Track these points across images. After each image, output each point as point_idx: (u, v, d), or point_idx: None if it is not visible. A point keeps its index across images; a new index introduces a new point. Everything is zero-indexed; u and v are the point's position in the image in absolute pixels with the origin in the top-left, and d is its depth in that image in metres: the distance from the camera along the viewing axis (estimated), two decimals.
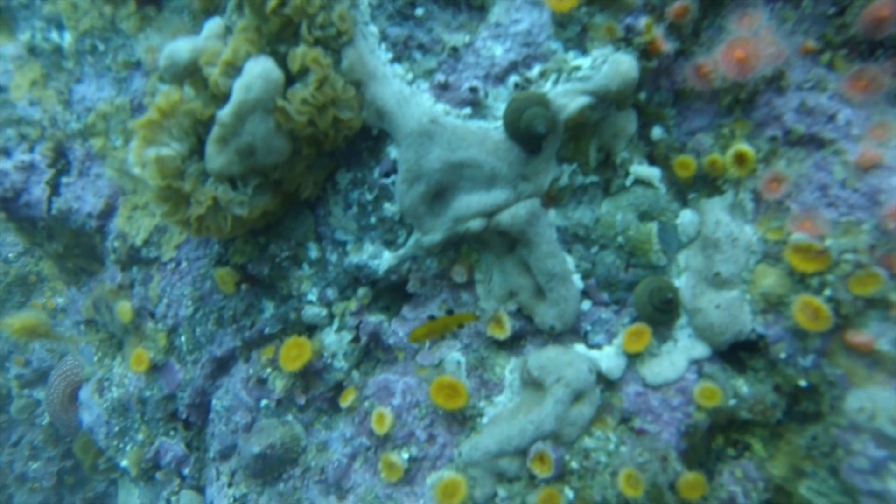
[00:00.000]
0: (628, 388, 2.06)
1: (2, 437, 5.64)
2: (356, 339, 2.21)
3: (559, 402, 2.00)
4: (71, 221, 2.41)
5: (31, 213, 2.38)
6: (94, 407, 2.69)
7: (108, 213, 2.39)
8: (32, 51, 2.37)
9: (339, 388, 2.28)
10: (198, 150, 2.04)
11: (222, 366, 2.42)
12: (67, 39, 2.36)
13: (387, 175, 2.11)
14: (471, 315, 2.19)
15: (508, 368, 2.19)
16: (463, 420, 2.11)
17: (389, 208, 2.11)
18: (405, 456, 2.10)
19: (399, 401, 2.14)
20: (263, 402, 2.32)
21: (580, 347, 2.15)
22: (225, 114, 1.88)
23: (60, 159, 2.37)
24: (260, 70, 1.87)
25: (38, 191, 2.32)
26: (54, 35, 2.36)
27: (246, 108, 1.87)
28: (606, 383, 2.09)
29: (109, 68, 2.32)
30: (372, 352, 2.27)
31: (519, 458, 2.00)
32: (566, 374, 2.03)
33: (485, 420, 2.12)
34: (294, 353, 2.18)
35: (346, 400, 2.22)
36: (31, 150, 2.33)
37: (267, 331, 2.30)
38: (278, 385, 2.24)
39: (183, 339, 2.42)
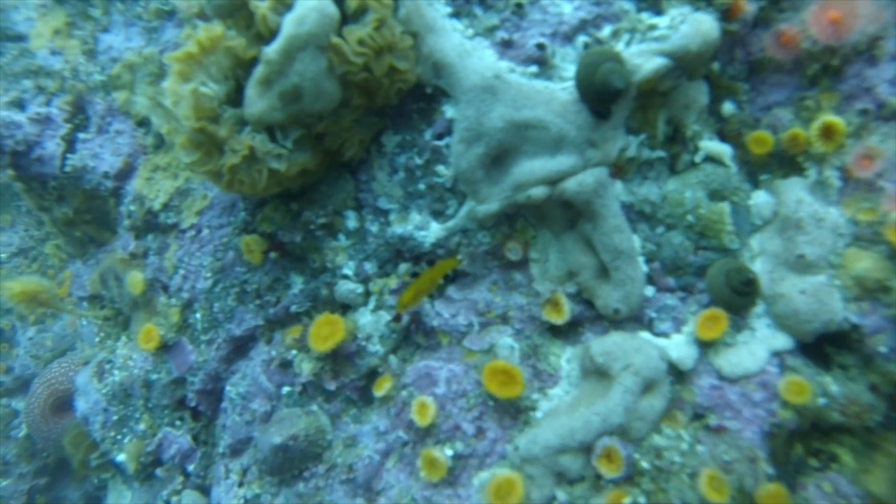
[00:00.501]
0: (701, 381, 1.78)
1: None
2: (397, 320, 1.91)
3: (628, 391, 1.71)
4: (85, 181, 2.13)
5: (42, 169, 2.11)
6: (91, 393, 2.35)
7: (126, 173, 2.12)
8: None
9: (371, 375, 1.98)
10: (234, 98, 1.79)
11: (240, 347, 2.11)
12: None
13: (440, 137, 1.86)
14: (453, 259, 1.91)
15: (565, 358, 1.90)
16: (516, 413, 1.82)
17: (442, 173, 1.86)
18: (449, 452, 1.79)
19: (443, 390, 1.85)
20: (285, 389, 2.01)
21: (645, 335, 1.87)
22: (272, 50, 1.64)
23: (79, 114, 2.11)
24: (315, 3, 1.64)
25: (53, 146, 2.06)
26: None
27: (297, 44, 1.63)
28: (676, 375, 1.81)
29: (140, 17, 2.10)
30: (411, 336, 1.98)
31: (583, 454, 1.70)
32: (635, 360, 1.75)
33: (538, 415, 1.83)
34: (325, 331, 1.89)
35: (382, 388, 1.92)
36: (49, 102, 2.08)
37: (294, 308, 2.01)
38: (305, 368, 1.94)
39: (198, 315, 2.11)
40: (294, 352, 1.97)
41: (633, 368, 1.74)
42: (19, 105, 2.06)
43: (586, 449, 1.70)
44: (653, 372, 1.75)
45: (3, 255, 5.44)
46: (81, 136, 2.12)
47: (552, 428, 1.72)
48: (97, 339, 2.37)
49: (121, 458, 2.28)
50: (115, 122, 2.11)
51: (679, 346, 1.82)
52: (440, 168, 1.86)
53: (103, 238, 2.25)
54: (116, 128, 2.11)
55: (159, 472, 2.23)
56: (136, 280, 2.13)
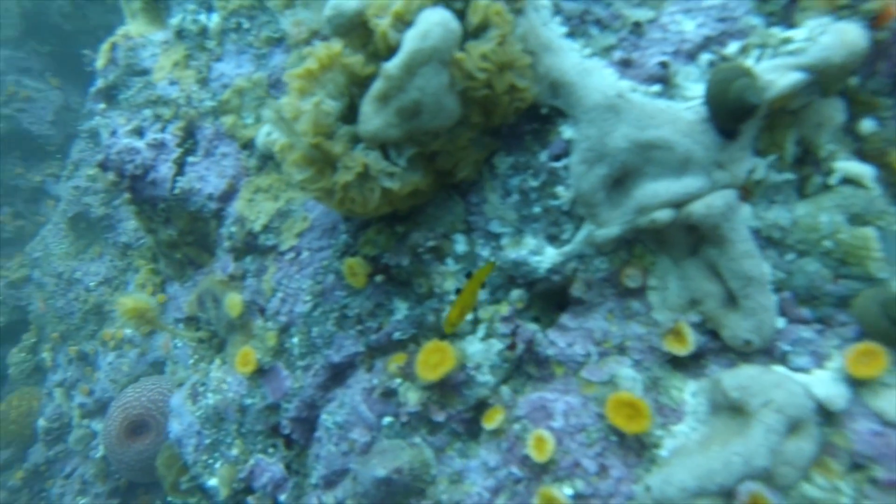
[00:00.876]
0: (857, 425, 1.57)
1: (56, 468, 5.22)
2: (512, 347, 1.77)
3: (771, 430, 1.52)
4: (191, 203, 2.10)
5: (155, 192, 2.10)
6: (185, 415, 2.26)
7: (229, 195, 2.08)
8: (180, 34, 2.17)
9: (479, 407, 1.83)
10: (347, 116, 1.72)
11: (338, 375, 2.00)
12: (214, 20, 2.14)
13: (557, 158, 1.75)
14: (489, 265, 1.75)
15: (689, 392, 1.72)
16: (640, 449, 1.64)
17: (560, 195, 1.74)
18: (569, 492, 1.62)
19: (560, 423, 1.69)
20: (387, 420, 1.88)
21: (781, 370, 1.68)
22: (393, 65, 1.56)
23: (189, 139, 2.08)
24: (438, 18, 1.56)
25: (165, 169, 2.04)
26: (202, 17, 2.15)
27: (419, 59, 1.55)
28: (824, 416, 1.60)
29: (251, 45, 2.08)
30: (522, 366, 1.83)
31: (723, 499, 1.50)
32: (776, 396, 1.56)
33: (663, 453, 1.64)
34: (434, 359, 1.76)
35: (492, 421, 1.77)
36: (164, 129, 2.08)
37: (397, 335, 1.90)
38: (411, 398, 1.81)
39: (295, 340, 2.02)
40: (398, 380, 1.85)
41: (774, 405, 1.55)
42: (139, 133, 2.07)
43: (727, 493, 1.51)
44: (798, 410, 1.55)
45: (91, 283, 5.56)
46: (190, 159, 2.10)
47: (687, 468, 1.53)
48: (191, 362, 2.30)
49: (212, 482, 2.17)
50: (221, 146, 2.08)
51: (825, 384, 1.62)
52: (559, 189, 1.74)
53: (202, 260, 2.19)
54: (222, 151, 2.07)
55: (251, 500, 2.11)
56: (234, 302, 2.05)
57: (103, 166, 2.14)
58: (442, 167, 1.79)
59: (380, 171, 1.68)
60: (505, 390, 1.81)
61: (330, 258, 1.96)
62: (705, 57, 1.71)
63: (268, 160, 2.06)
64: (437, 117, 1.63)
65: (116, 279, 5.65)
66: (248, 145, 2.09)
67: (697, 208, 1.66)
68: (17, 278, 6.27)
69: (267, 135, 2.01)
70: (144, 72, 2.17)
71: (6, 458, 5.69)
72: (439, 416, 1.79)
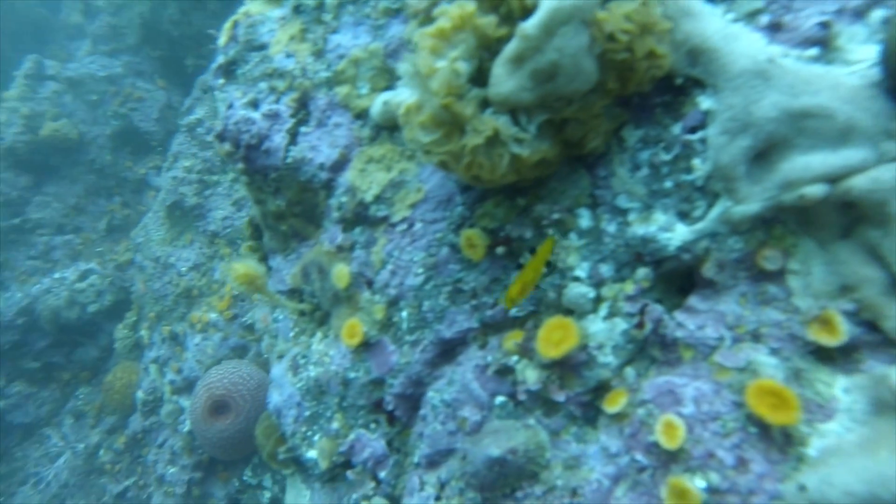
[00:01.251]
0: None
1: (151, 437, 5.47)
2: (640, 326, 1.63)
3: None
4: (301, 172, 2.06)
5: (267, 161, 2.08)
6: (285, 386, 2.23)
7: (340, 165, 2.03)
8: (297, 9, 2.15)
9: (598, 390, 1.69)
10: (475, 79, 1.62)
11: (448, 351, 1.91)
12: None
13: (692, 130, 1.61)
14: (550, 240, 1.68)
15: (839, 388, 1.53)
16: (785, 445, 1.45)
17: (697, 168, 1.58)
18: (702, 484, 1.46)
19: (691, 410, 1.53)
20: (499, 399, 1.77)
21: None
22: (531, 24, 1.46)
23: (302, 109, 2.05)
24: None
25: (279, 138, 2.02)
26: None
27: (560, 18, 1.45)
28: None
29: (368, 16, 2.03)
30: (646, 349, 1.67)
31: None
32: None
33: (811, 452, 1.45)
34: (557, 335, 1.64)
35: (615, 404, 1.63)
36: (278, 100, 2.05)
37: (513, 312, 1.78)
38: (530, 376, 1.69)
39: (404, 314, 1.93)
40: (515, 357, 1.73)
41: None
42: (255, 105, 2.06)
43: None
44: None
45: (182, 269, 5.76)
46: (303, 129, 2.06)
47: (852, 470, 1.34)
48: (292, 335, 2.27)
49: (311, 454, 2.12)
50: (334, 116, 2.03)
51: None
52: (695, 162, 1.59)
53: (307, 232, 2.16)
54: (335, 121, 2.03)
55: (350, 474, 2.04)
56: (341, 273, 2.00)
57: (220, 137, 2.14)
58: (571, 137, 1.67)
59: (510, 136, 1.58)
60: (629, 372, 1.67)
61: (444, 230, 1.88)
62: (878, 13, 1.52)
63: (381, 130, 2.01)
64: (574, 81, 1.52)
65: (204, 265, 5.84)
66: (361, 115, 2.03)
67: (859, 183, 1.48)
68: (123, 261, 6.57)
69: (383, 104, 1.95)
70: (262, 46, 2.16)
71: (112, 424, 6.11)
72: (559, 396, 1.66)
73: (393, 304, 1.96)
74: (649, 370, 1.68)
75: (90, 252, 6.74)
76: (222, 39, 2.26)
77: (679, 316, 1.66)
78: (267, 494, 4.95)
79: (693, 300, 1.67)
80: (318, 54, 2.10)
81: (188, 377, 5.44)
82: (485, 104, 1.63)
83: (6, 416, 6.12)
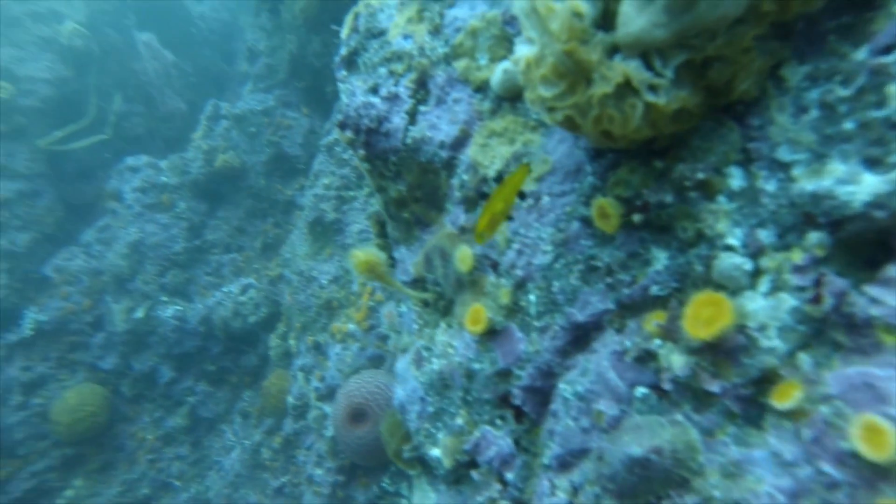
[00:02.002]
0: None
1: (301, 439, 5.82)
2: (817, 300, 1.31)
3: None
4: (422, 153, 1.98)
5: (388, 143, 2.04)
6: (409, 380, 2.14)
7: (461, 142, 1.92)
8: None
9: (761, 382, 1.37)
10: (600, 23, 1.43)
11: (581, 338, 1.69)
12: None
13: (886, 51, 1.26)
14: (523, 167, 1.59)
15: None
16: None
17: (890, 100, 1.24)
18: None
19: None
20: (640, 391, 1.51)
21: None
22: None
23: (421, 89, 1.97)
24: None
25: (398, 119, 1.96)
26: None
27: None
28: None
29: None
30: (826, 332, 1.34)
31: None
32: None
33: None
34: (707, 313, 1.37)
35: (787, 398, 1.31)
36: (398, 83, 1.99)
37: (655, 290, 1.53)
38: (675, 362, 1.43)
39: (533, 297, 1.75)
40: (658, 341, 1.48)
41: None
42: (375, 90, 2.02)
43: None
44: None
45: (324, 281, 6.06)
46: (422, 108, 1.99)
47: None
48: (416, 327, 2.18)
49: (434, 452, 2.00)
50: (453, 91, 1.94)
51: None
52: (891, 89, 1.25)
53: (430, 218, 2.07)
54: (455, 96, 1.93)
55: (475, 475, 1.88)
56: (464, 255, 1.87)
57: (342, 125, 2.13)
58: (715, 81, 1.41)
59: (643, 82, 1.36)
60: (804, 359, 1.34)
61: (574, 203, 1.68)
62: None
63: (503, 102, 1.87)
64: (718, 6, 1.27)
65: (343, 278, 6.09)
66: (482, 88, 1.92)
67: None
68: (274, 276, 7.11)
69: (503, 72, 1.81)
70: (381, 33, 2.14)
71: (270, 425, 6.63)
72: (713, 386, 1.38)
73: (520, 286, 1.79)
74: (832, 358, 1.33)
75: (249, 268, 7.35)
76: (344, 32, 2.28)
77: (872, 290, 1.31)
78: (404, 503, 4.98)
79: (892, 270, 1.31)
80: (436, 31, 2.03)
81: (330, 385, 5.67)
82: (612, 51, 1.43)
83: (197, 410, 6.94)
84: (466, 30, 1.93)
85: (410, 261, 2.19)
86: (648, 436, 1.41)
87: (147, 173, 7.51)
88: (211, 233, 7.57)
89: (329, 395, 5.71)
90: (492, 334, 1.84)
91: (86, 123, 7.76)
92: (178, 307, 7.02)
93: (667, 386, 1.44)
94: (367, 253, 1.89)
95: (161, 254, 7.18)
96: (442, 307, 2.08)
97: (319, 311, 6.07)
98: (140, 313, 6.69)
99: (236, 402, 7.11)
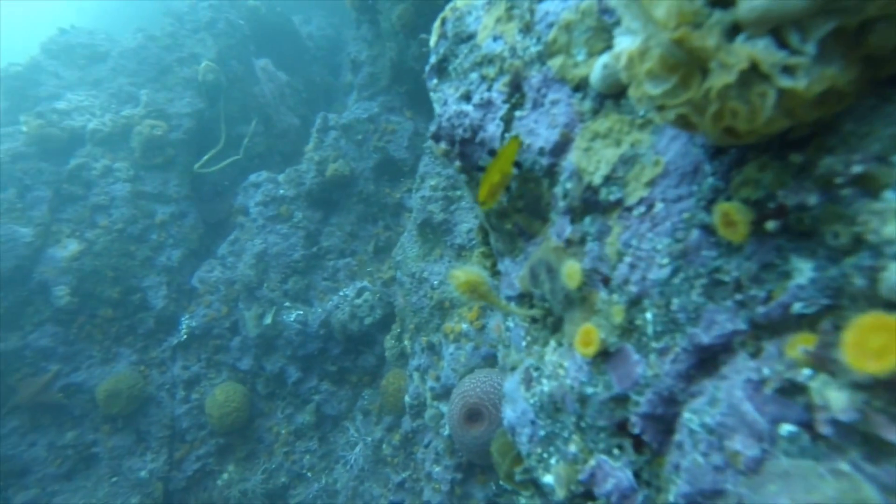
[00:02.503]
0: None
1: (419, 437, 5.95)
2: None
3: None
4: (520, 161, 1.80)
5: (485, 152, 1.88)
6: (518, 401, 2.00)
7: (563, 146, 1.73)
8: None
9: None
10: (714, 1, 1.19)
11: (707, 360, 1.46)
12: None
13: None
14: (514, 140, 1.71)
15: None
16: None
17: None
18: None
19: None
20: (787, 429, 1.26)
21: None
22: None
23: (515, 93, 1.81)
24: None
25: (493, 127, 1.82)
26: None
27: None
28: None
29: None
30: None
31: None
32: None
33: None
34: (878, 340, 1.10)
35: None
36: (490, 88, 1.85)
37: (798, 308, 1.27)
38: (834, 400, 1.16)
39: (649, 315, 1.54)
40: (807, 371, 1.22)
41: None
42: (467, 97, 1.90)
43: None
44: None
45: (435, 282, 6.06)
46: (518, 113, 1.82)
47: None
48: (524, 344, 2.02)
49: (547, 479, 1.85)
50: (550, 93, 1.75)
51: None
52: None
53: (533, 229, 1.90)
54: (552, 98, 1.74)
55: None
56: (572, 271, 1.69)
57: (436, 136, 2.02)
58: (877, 49, 1.12)
59: (775, 64, 1.11)
60: None
61: (693, 209, 1.45)
62: None
63: (605, 100, 1.66)
64: None
65: None
66: (581, 86, 1.71)
67: None
68: (387, 278, 7.26)
69: (603, 67, 1.61)
70: (470, 37, 1.99)
71: (389, 423, 6.93)
72: (891, 434, 1.11)
73: (634, 303, 1.58)
74: None
75: (363, 272, 7.55)
76: (433, 39, 2.16)
77: None
78: (522, 501, 4.86)
79: None
80: (527, 29, 1.85)
81: (445, 384, 5.68)
82: (733, 32, 1.19)
83: (322, 408, 7.35)
84: (560, 24, 1.73)
85: (516, 274, 2.03)
86: (803, 488, 1.16)
87: (267, 188, 7.94)
88: (326, 239, 7.88)
89: (444, 394, 5.72)
90: (605, 356, 1.64)
91: (220, 148, 8.43)
92: (300, 312, 7.36)
93: (824, 429, 1.18)
94: (467, 272, 1.76)
95: (282, 262, 7.58)
96: (551, 324, 1.91)
97: (432, 311, 6.08)
98: (269, 319, 7.10)
99: (357, 401, 7.36)
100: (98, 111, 8.11)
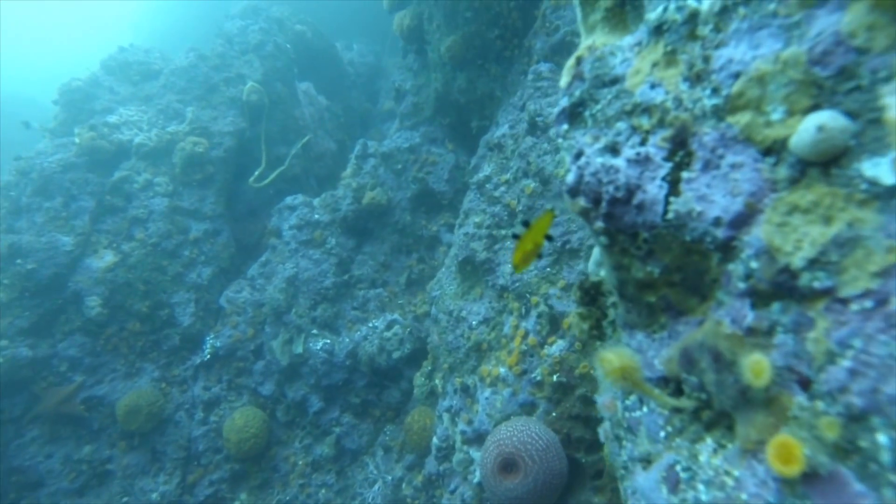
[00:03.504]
0: None
1: (445, 481, 5.59)
2: None
3: None
4: (687, 231, 1.51)
5: (641, 217, 1.58)
6: (660, 502, 1.65)
7: (746, 218, 1.42)
8: (658, 29, 1.66)
9: None
10: None
11: None
12: (708, 1, 1.55)
13: None
14: (548, 213, 1.80)
15: None
16: None
17: None
18: None
19: None
20: None
21: None
22: None
23: (681, 150, 1.51)
24: None
25: (654, 188, 1.50)
26: (691, 1, 1.58)
27: None
28: None
29: (774, 14, 1.41)
30: None
31: None
32: None
33: None
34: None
35: None
36: (645, 142, 1.53)
37: None
38: None
39: (882, 437, 1.21)
40: None
41: None
42: (614, 150, 1.58)
43: None
44: None
45: (473, 322, 5.72)
46: (685, 175, 1.51)
47: None
48: (663, 435, 1.69)
49: None
50: (729, 154, 1.45)
51: None
52: None
53: (686, 306, 1.58)
54: (732, 160, 1.44)
55: None
56: (760, 366, 1.36)
57: (573, 192, 1.72)
58: None
59: None
60: None
61: None
62: None
63: (809, 167, 1.36)
64: None
65: (493, 319, 5.73)
66: (773, 149, 1.41)
67: None
68: (420, 313, 6.90)
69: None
70: (615, 81, 1.70)
71: (411, 461, 6.50)
72: None
73: (857, 419, 1.24)
74: None
75: (393, 304, 7.21)
76: (564, 80, 1.88)
77: None
78: None
79: None
80: (697, 78, 1.56)
81: (478, 429, 5.31)
82: None
83: (342, 441, 6.95)
84: (749, 76, 1.44)
85: (655, 353, 1.71)
86: None
87: (302, 211, 7.68)
88: (358, 268, 7.57)
89: (476, 439, 5.33)
90: (809, 478, 1.31)
91: (262, 169, 8.24)
92: (328, 340, 7.02)
93: None
94: (620, 356, 1.45)
95: (313, 288, 7.27)
96: (707, 419, 1.58)
97: (468, 352, 5.73)
98: (300, 348, 6.76)
99: (378, 436, 6.96)
100: (145, 126, 7.94)
